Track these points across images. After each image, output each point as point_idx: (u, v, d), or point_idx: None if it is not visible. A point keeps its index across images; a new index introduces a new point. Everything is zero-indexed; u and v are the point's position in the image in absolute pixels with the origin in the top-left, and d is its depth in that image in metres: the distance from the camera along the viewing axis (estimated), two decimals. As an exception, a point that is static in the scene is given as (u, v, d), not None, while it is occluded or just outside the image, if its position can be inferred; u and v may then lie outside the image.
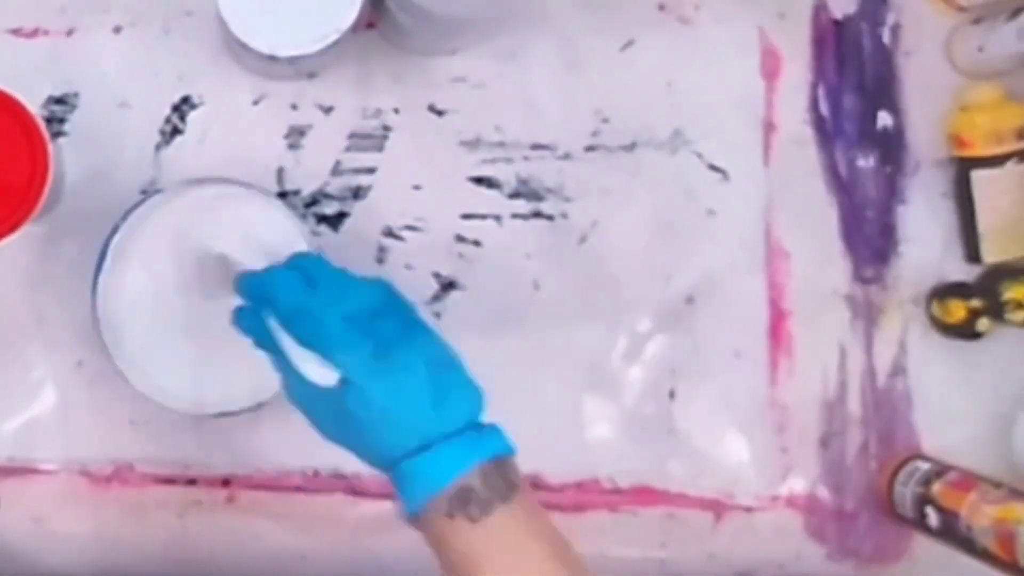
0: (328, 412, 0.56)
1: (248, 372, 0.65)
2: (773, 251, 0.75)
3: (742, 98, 0.75)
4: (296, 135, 0.73)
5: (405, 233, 0.73)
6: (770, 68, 0.76)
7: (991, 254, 0.73)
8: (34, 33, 0.72)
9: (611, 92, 0.74)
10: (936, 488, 0.70)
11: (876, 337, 0.75)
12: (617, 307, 0.74)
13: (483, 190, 0.74)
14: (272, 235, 0.66)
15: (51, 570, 0.72)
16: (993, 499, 0.66)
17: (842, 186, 0.76)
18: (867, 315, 0.75)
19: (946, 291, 0.74)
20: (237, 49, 0.67)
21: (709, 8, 0.75)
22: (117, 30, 0.72)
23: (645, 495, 0.74)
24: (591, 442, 0.74)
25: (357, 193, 0.73)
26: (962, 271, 0.75)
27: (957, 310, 0.73)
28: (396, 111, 0.73)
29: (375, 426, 0.54)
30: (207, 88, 0.72)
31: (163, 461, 0.72)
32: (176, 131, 0.72)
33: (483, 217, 0.74)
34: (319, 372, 0.55)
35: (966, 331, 0.73)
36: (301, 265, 0.59)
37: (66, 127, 0.72)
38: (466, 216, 0.74)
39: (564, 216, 0.74)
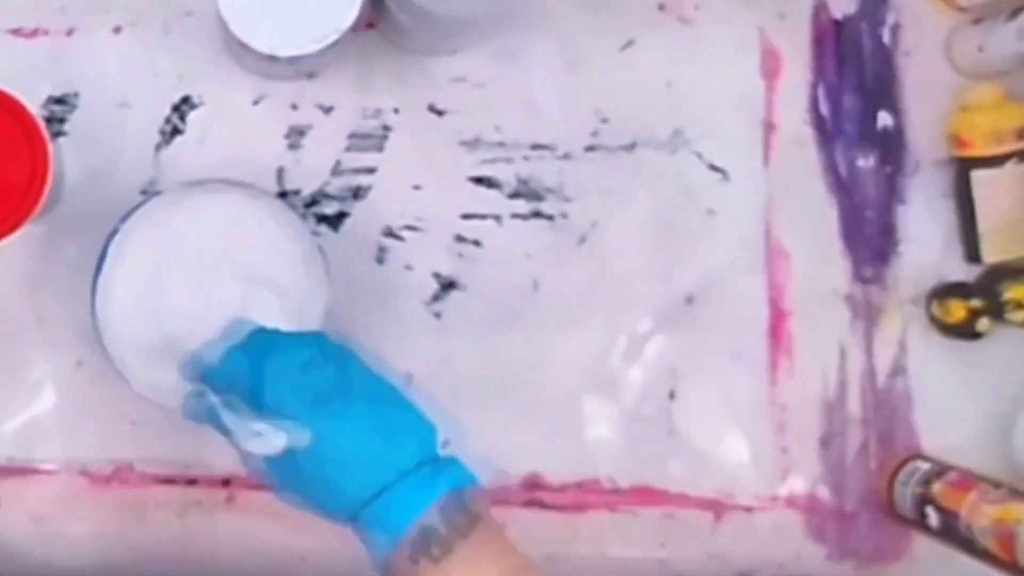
0: (286, 475, 0.56)
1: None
2: (773, 251, 0.75)
3: (742, 98, 0.75)
4: (296, 135, 0.73)
5: (405, 233, 0.73)
6: (770, 68, 0.76)
7: (991, 254, 0.73)
8: (34, 33, 0.72)
9: (611, 92, 0.74)
10: (936, 488, 0.70)
11: (876, 337, 0.75)
12: (617, 307, 0.74)
13: (483, 190, 0.74)
14: (273, 235, 0.66)
15: (51, 570, 0.72)
16: (993, 499, 0.66)
17: (842, 186, 0.76)
18: (867, 315, 0.75)
19: (946, 291, 0.74)
20: (237, 49, 0.67)
21: (709, 8, 0.75)
22: (117, 30, 0.72)
23: (645, 495, 0.74)
24: (591, 442, 0.74)
25: (357, 193, 0.73)
26: (962, 271, 0.75)
27: (957, 310, 0.73)
28: (396, 111, 0.74)
29: (328, 479, 0.54)
30: (207, 88, 0.72)
31: (163, 461, 0.72)
32: (176, 131, 0.72)
33: (483, 217, 0.74)
34: (263, 444, 0.55)
35: (966, 331, 0.73)
36: (241, 333, 0.59)
37: (66, 127, 0.72)
38: (466, 216, 0.74)
39: (564, 216, 0.74)
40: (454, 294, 0.73)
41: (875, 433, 0.75)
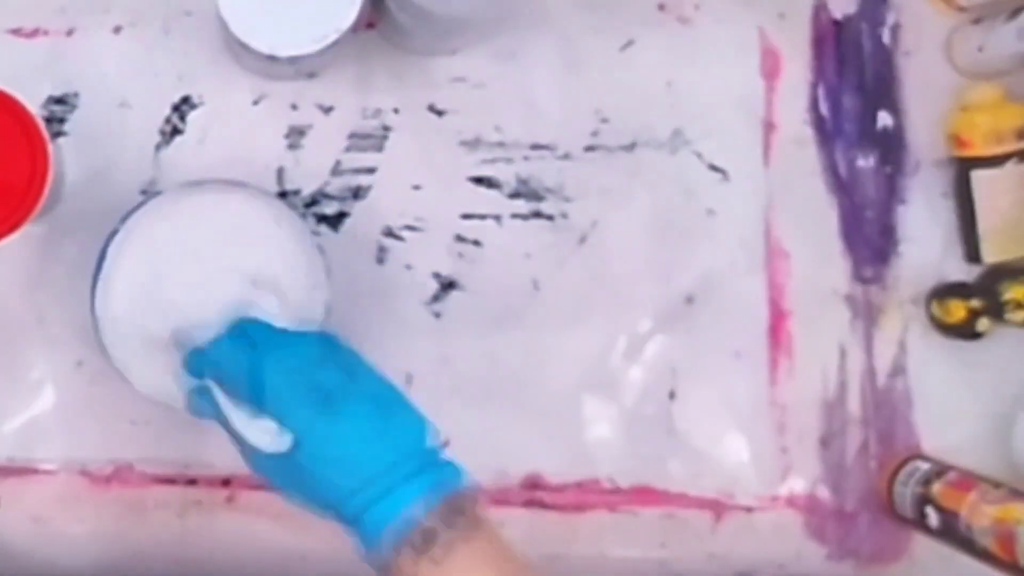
0: (283, 473, 0.56)
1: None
2: (773, 251, 0.75)
3: (742, 98, 0.75)
4: (296, 135, 0.73)
5: (405, 233, 0.73)
6: (770, 68, 0.76)
7: (991, 254, 0.73)
8: (34, 33, 0.72)
9: (611, 92, 0.74)
10: (936, 488, 0.70)
11: (876, 337, 0.75)
12: (617, 307, 0.74)
13: (483, 190, 0.74)
14: (273, 236, 0.66)
15: (51, 570, 0.72)
16: (993, 499, 0.66)
17: (842, 186, 0.76)
18: (867, 315, 0.75)
19: (946, 291, 0.74)
20: (237, 49, 0.67)
21: (709, 8, 0.75)
22: (117, 30, 0.72)
23: (645, 495, 0.74)
24: (591, 442, 0.74)
25: (357, 193, 0.73)
26: (962, 271, 0.75)
27: (957, 310, 0.73)
28: (396, 111, 0.74)
29: (329, 478, 0.54)
30: (207, 88, 0.72)
31: (163, 461, 0.72)
32: (176, 131, 0.72)
33: (483, 217, 0.74)
34: (269, 440, 0.55)
35: (966, 331, 0.73)
36: (242, 330, 0.60)
37: (66, 127, 0.72)
38: (466, 216, 0.74)
39: (564, 216, 0.74)
40: (454, 294, 0.73)
41: (875, 433, 0.75)
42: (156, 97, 0.72)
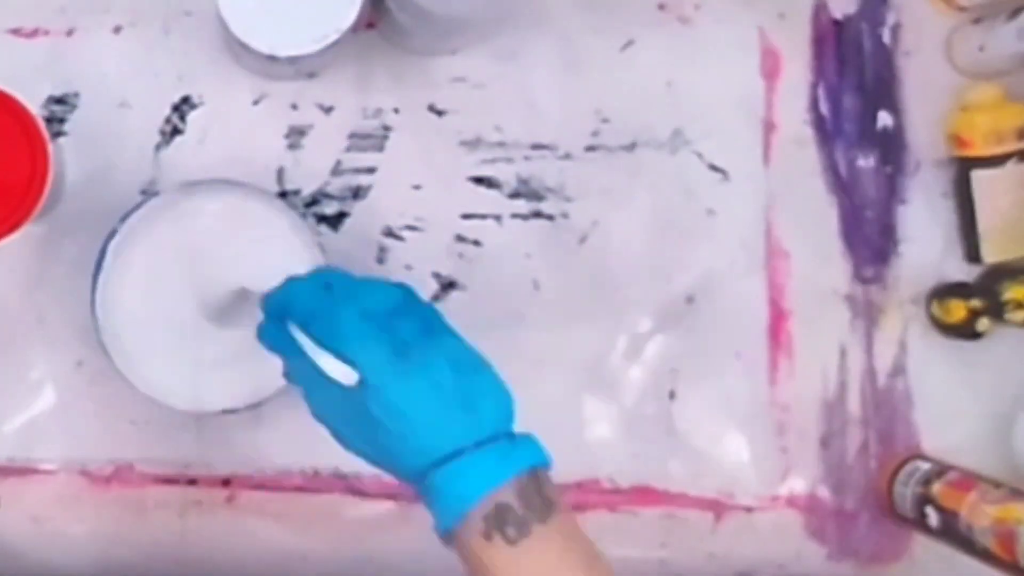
0: (351, 419, 0.54)
1: (248, 371, 0.65)
2: (773, 251, 0.75)
3: (742, 98, 0.75)
4: (296, 135, 0.73)
5: (405, 233, 0.73)
6: (770, 68, 0.76)
7: (991, 254, 0.73)
8: (34, 33, 0.72)
9: (611, 92, 0.74)
10: (936, 488, 0.70)
11: (876, 337, 0.75)
12: (617, 307, 0.74)
13: (483, 190, 0.74)
14: (273, 235, 0.66)
15: (51, 570, 0.72)
16: (993, 499, 0.66)
17: (842, 186, 0.76)
18: (867, 315, 0.75)
19: (946, 291, 0.74)
20: (237, 49, 0.67)
21: (709, 8, 0.75)
22: (117, 30, 0.72)
23: (645, 495, 0.74)
24: (591, 442, 0.74)
25: (357, 193, 0.73)
26: (962, 271, 0.75)
27: (957, 310, 0.73)
28: (396, 111, 0.73)
29: (398, 431, 0.51)
30: (207, 88, 0.72)
31: (163, 461, 0.72)
32: (176, 131, 0.72)
33: (483, 217, 0.74)
34: (338, 369, 0.52)
35: (966, 331, 0.73)
36: (321, 274, 0.58)
37: (66, 127, 0.72)
38: (466, 216, 0.74)
39: (564, 216, 0.74)
40: (454, 294, 0.73)
41: (875, 433, 0.75)
42: (156, 97, 0.72)
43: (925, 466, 0.72)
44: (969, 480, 0.69)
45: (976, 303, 0.72)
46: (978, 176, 0.73)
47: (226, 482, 0.72)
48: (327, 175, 0.73)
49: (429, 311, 0.56)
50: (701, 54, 0.75)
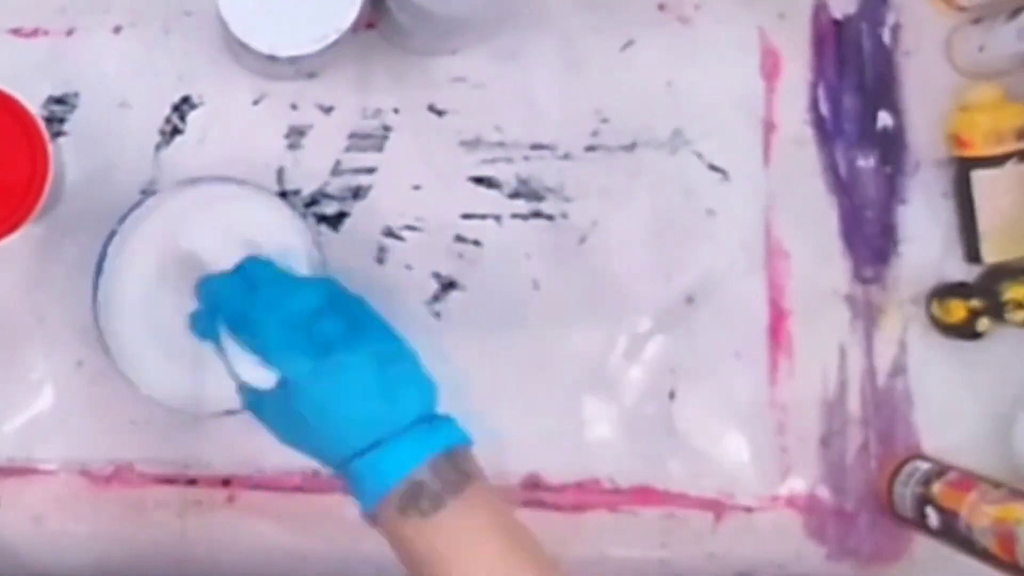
0: (278, 415, 0.56)
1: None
2: (773, 251, 0.75)
3: (742, 98, 0.75)
4: (296, 135, 0.73)
5: (405, 233, 0.73)
6: (770, 68, 0.76)
7: (991, 254, 0.73)
8: (34, 33, 0.72)
9: (611, 92, 0.74)
10: (936, 488, 0.70)
11: (876, 337, 0.75)
12: (617, 307, 0.74)
13: (483, 190, 0.74)
14: (273, 235, 0.66)
15: (51, 570, 0.72)
16: (993, 499, 0.66)
17: (842, 186, 0.76)
18: (867, 315, 0.75)
19: (946, 291, 0.74)
20: (237, 49, 0.67)
21: (709, 8, 0.75)
22: (117, 30, 0.72)
23: (645, 495, 0.74)
24: (591, 442, 0.74)
25: (357, 193, 0.73)
26: (962, 271, 0.75)
27: (957, 310, 0.73)
28: (396, 111, 0.74)
29: (322, 426, 0.54)
30: (207, 88, 0.73)
31: (163, 461, 0.72)
32: (176, 131, 0.72)
33: (483, 217, 0.74)
34: (254, 375, 0.55)
35: (966, 331, 0.73)
36: (247, 270, 0.60)
37: (66, 127, 0.72)
38: (466, 216, 0.74)
39: (564, 216, 0.74)
40: (454, 294, 0.73)
41: (875, 433, 0.75)
42: (156, 97, 0.72)
43: (925, 466, 0.72)
44: (969, 480, 0.69)
45: (976, 303, 0.72)
46: (978, 176, 0.73)
47: (226, 482, 0.72)
48: (327, 175, 0.73)
49: (354, 304, 0.58)
50: (701, 54, 0.75)
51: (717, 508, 0.74)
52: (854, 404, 0.75)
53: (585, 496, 0.73)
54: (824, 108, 0.76)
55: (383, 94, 0.73)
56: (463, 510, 0.52)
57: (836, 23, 0.76)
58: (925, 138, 0.75)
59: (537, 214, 0.74)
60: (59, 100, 0.72)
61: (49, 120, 0.71)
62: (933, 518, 0.69)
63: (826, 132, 0.76)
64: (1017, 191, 0.73)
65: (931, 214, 0.76)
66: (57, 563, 0.72)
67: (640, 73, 0.75)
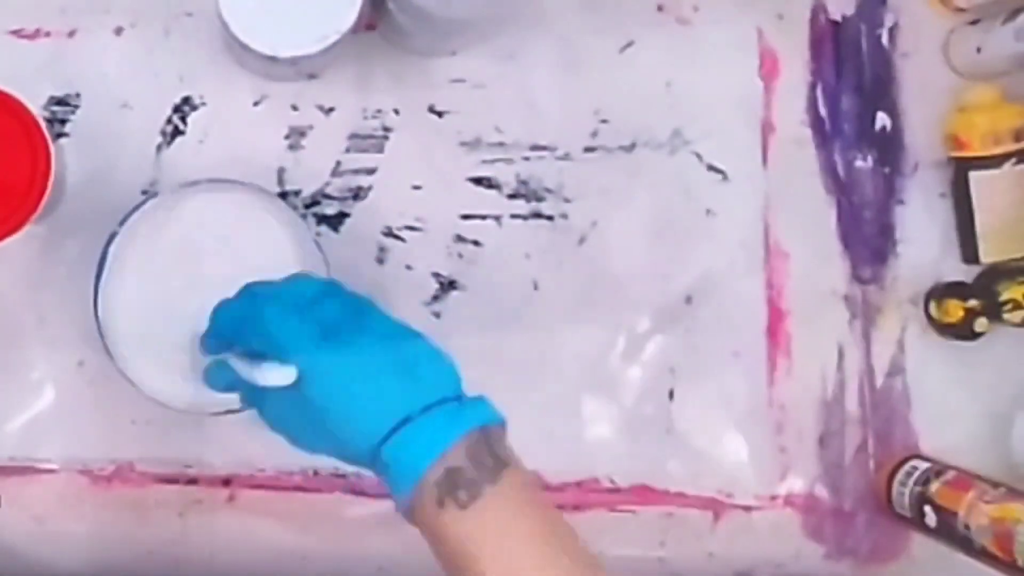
0: (302, 419, 0.54)
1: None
2: (772, 251, 0.75)
3: (741, 99, 0.75)
4: (296, 136, 0.73)
5: (405, 233, 0.73)
6: (769, 69, 0.76)
7: (989, 254, 0.73)
8: (35, 34, 0.72)
9: (610, 93, 0.75)
10: (934, 487, 0.70)
11: (874, 337, 0.75)
12: (616, 307, 0.74)
13: (483, 190, 0.74)
14: (273, 235, 0.67)
15: (51, 569, 0.72)
16: (991, 498, 0.66)
17: (840, 186, 0.76)
18: (865, 315, 0.75)
19: (944, 291, 0.74)
20: (238, 50, 0.68)
21: (708, 9, 0.75)
22: (118, 31, 0.72)
23: (644, 494, 0.74)
24: (590, 442, 0.74)
25: (357, 194, 0.73)
26: (960, 271, 0.75)
27: (955, 310, 0.73)
28: (396, 112, 0.74)
29: (343, 412, 0.51)
30: (208, 89, 0.73)
31: (164, 460, 0.72)
32: (177, 132, 0.72)
33: (483, 217, 0.74)
34: (271, 376, 0.53)
35: (964, 331, 0.73)
36: (245, 289, 0.59)
37: (67, 128, 0.72)
38: (466, 216, 0.74)
39: (563, 216, 0.74)
40: (454, 294, 0.74)
41: (873, 433, 0.75)
42: (157, 98, 0.72)
43: (923, 466, 0.72)
44: (967, 480, 0.69)
45: (974, 303, 0.73)
46: (976, 177, 0.73)
47: (226, 482, 0.72)
48: (327, 176, 0.73)
49: (355, 298, 0.56)
50: (700, 55, 0.75)
51: (716, 507, 0.74)
52: (852, 404, 0.75)
53: (584, 495, 0.74)
54: (822, 109, 0.76)
55: (383, 95, 0.74)
56: (501, 500, 0.49)
57: (834, 24, 0.76)
58: (923, 139, 0.76)
59: (537, 214, 0.74)
60: (60, 101, 0.72)
61: (50, 121, 0.71)
62: (931, 517, 0.69)
63: (824, 133, 0.76)
64: (1015, 191, 0.73)
65: (929, 214, 0.76)
66: (57, 562, 0.72)
67: (639, 74, 0.75)
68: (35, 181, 0.63)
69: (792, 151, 0.76)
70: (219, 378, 0.59)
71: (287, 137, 0.73)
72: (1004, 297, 0.73)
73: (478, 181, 0.74)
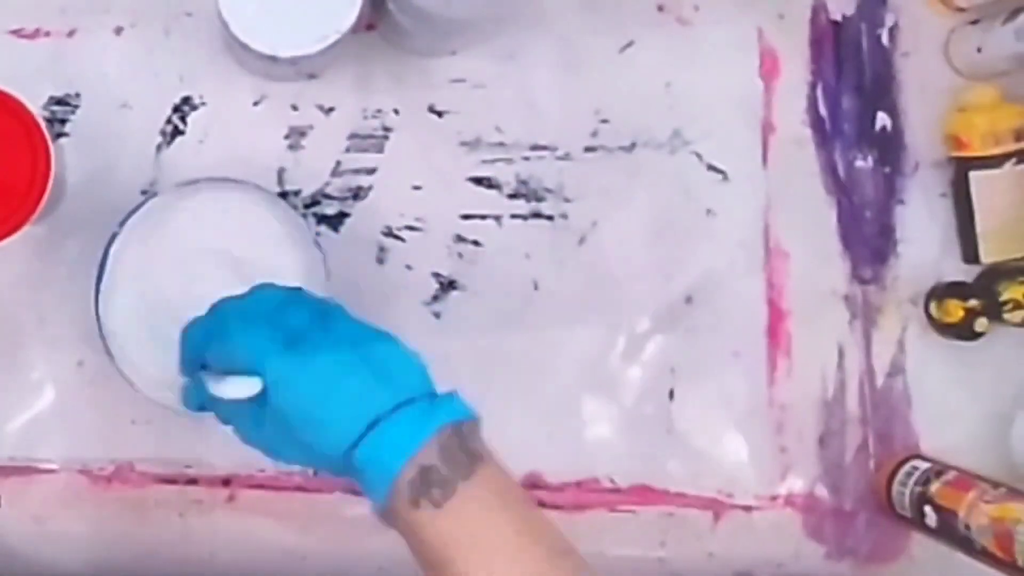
0: (275, 430, 0.53)
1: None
2: (772, 251, 0.75)
3: (741, 99, 0.76)
4: (296, 136, 0.73)
5: (405, 233, 0.74)
6: (769, 69, 0.76)
7: (989, 254, 0.73)
8: (35, 34, 0.72)
9: (610, 93, 0.75)
10: (934, 487, 0.70)
11: (875, 337, 0.75)
12: (616, 307, 0.74)
13: (483, 190, 0.74)
14: (273, 235, 0.67)
15: (51, 569, 0.72)
16: (991, 498, 0.66)
17: (841, 186, 0.76)
18: (865, 315, 0.75)
19: (944, 291, 0.74)
20: (238, 50, 0.68)
21: (708, 9, 0.75)
22: (118, 31, 0.72)
23: (644, 494, 0.74)
24: (590, 442, 0.74)
25: (357, 194, 0.73)
26: (960, 271, 0.75)
27: (955, 310, 0.73)
28: (396, 112, 0.74)
29: (313, 418, 0.51)
30: (208, 89, 0.73)
31: (164, 460, 0.72)
32: (177, 132, 0.72)
33: (483, 217, 0.74)
34: (236, 387, 0.53)
35: (964, 331, 0.73)
36: (213, 307, 0.58)
37: (67, 128, 0.72)
38: (466, 216, 0.74)
39: (563, 216, 0.74)
40: (454, 294, 0.74)
41: (874, 433, 0.75)
42: (157, 98, 0.72)
43: (923, 466, 0.72)
44: (967, 480, 0.69)
45: (974, 303, 0.73)
46: (976, 177, 0.73)
47: (226, 482, 0.72)
48: (327, 176, 0.73)
49: (321, 304, 0.56)
50: (700, 55, 0.75)
51: (716, 507, 0.74)
52: (853, 404, 0.75)
53: (585, 495, 0.74)
54: (823, 109, 0.76)
55: (383, 95, 0.74)
56: (475, 496, 0.49)
57: (835, 24, 0.76)
58: (923, 139, 0.76)
59: (537, 214, 0.74)
60: (60, 101, 0.72)
61: (50, 121, 0.71)
62: (931, 517, 0.70)
63: (825, 133, 0.76)
64: (1015, 191, 0.73)
65: (929, 214, 0.76)
66: (57, 562, 0.72)
67: (639, 74, 0.75)
68: (35, 181, 0.63)
69: (792, 151, 0.76)
70: (193, 397, 0.59)
71: (287, 137, 0.73)
72: (1004, 297, 0.73)
73: (478, 181, 0.74)
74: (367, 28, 0.72)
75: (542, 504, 0.73)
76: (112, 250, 0.65)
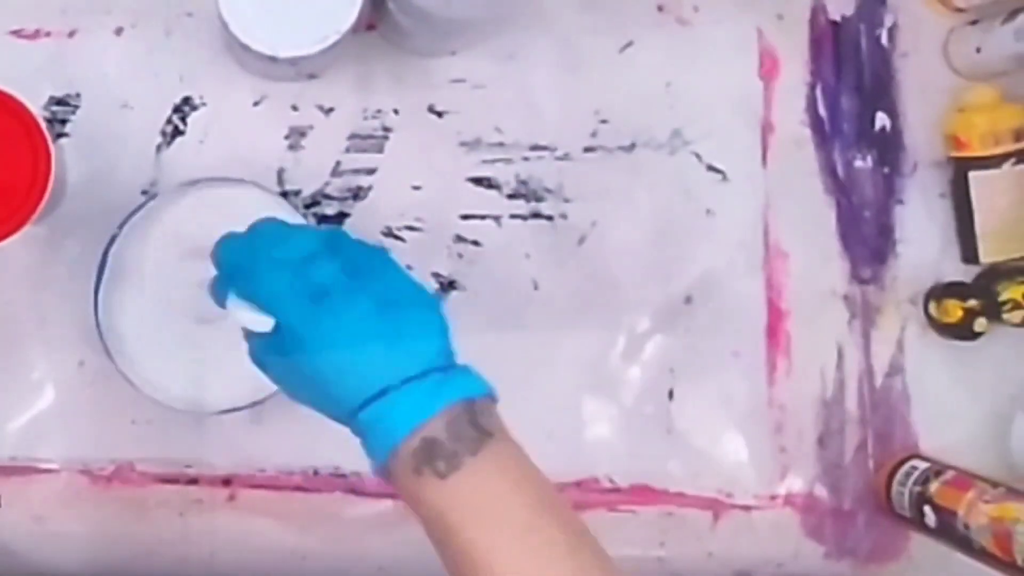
0: (280, 366, 0.53)
1: (248, 371, 0.65)
2: (771, 251, 0.75)
3: (740, 99, 0.76)
4: (296, 136, 0.73)
5: (405, 233, 0.74)
6: (768, 69, 0.76)
7: (988, 254, 0.74)
8: (36, 34, 0.72)
9: (610, 93, 0.75)
10: (934, 487, 0.70)
11: (874, 337, 0.75)
12: (616, 307, 0.74)
13: (482, 190, 0.74)
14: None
15: (51, 569, 0.72)
16: (990, 498, 0.67)
17: (840, 187, 0.76)
18: (865, 315, 0.76)
19: (943, 291, 0.74)
20: (238, 50, 0.68)
21: (708, 9, 0.75)
22: (118, 31, 0.73)
23: (644, 494, 0.74)
24: (590, 441, 0.74)
25: (357, 194, 0.73)
26: (959, 271, 0.75)
27: (954, 310, 0.73)
28: (396, 112, 0.74)
29: (322, 374, 0.51)
30: (208, 89, 0.73)
31: (164, 460, 0.72)
32: (177, 132, 0.72)
33: (482, 217, 0.74)
34: (250, 318, 0.52)
35: (963, 331, 0.73)
36: (255, 227, 0.57)
37: (68, 128, 0.72)
38: (466, 216, 0.74)
39: (563, 216, 0.74)
40: (454, 294, 0.74)
41: (873, 432, 0.75)
42: (157, 98, 0.72)
43: (923, 466, 0.72)
44: (966, 479, 0.69)
45: (973, 303, 0.73)
46: (975, 177, 0.73)
47: (226, 482, 0.72)
48: (327, 176, 0.73)
49: (358, 252, 0.55)
50: (700, 55, 0.75)
51: (716, 507, 0.74)
52: (852, 404, 0.75)
53: (584, 495, 0.74)
54: (822, 109, 0.76)
55: (383, 95, 0.74)
56: (483, 469, 0.48)
57: (834, 24, 0.76)
58: (922, 139, 0.76)
59: (536, 214, 0.74)
60: (61, 101, 0.72)
61: (51, 121, 0.71)
62: (931, 517, 0.70)
63: (824, 133, 0.76)
64: (1014, 192, 0.73)
65: (928, 214, 0.76)
66: (58, 562, 0.72)
67: (639, 74, 0.75)
68: (35, 181, 0.63)
69: (792, 151, 0.76)
70: (218, 297, 0.57)
71: (287, 137, 0.73)
72: (1004, 297, 0.73)
73: (478, 181, 0.74)
74: (367, 28, 0.72)
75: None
76: (112, 250, 0.65)
